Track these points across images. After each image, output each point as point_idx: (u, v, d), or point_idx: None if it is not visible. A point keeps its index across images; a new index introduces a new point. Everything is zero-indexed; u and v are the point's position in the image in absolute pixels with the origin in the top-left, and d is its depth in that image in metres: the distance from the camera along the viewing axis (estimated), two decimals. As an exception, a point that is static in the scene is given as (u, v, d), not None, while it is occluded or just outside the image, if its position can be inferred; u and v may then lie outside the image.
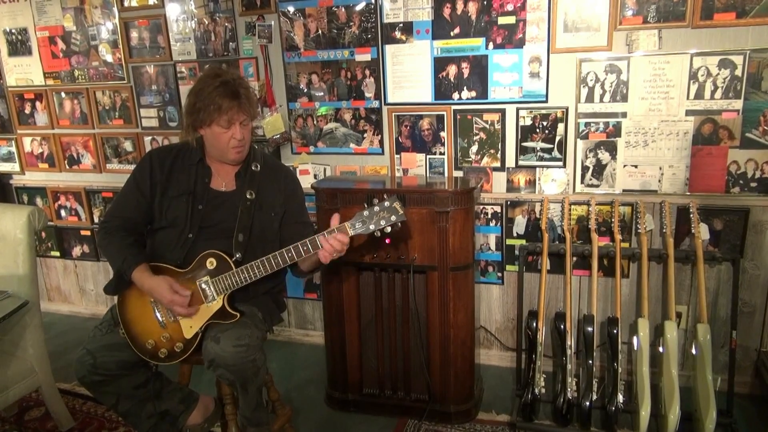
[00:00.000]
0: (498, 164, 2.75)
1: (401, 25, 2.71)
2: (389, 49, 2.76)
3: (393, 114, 2.84)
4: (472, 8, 2.59)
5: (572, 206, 2.65)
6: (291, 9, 2.86)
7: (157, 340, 1.93)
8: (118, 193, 2.12)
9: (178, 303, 1.87)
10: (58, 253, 3.77)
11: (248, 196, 2.00)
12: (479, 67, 2.65)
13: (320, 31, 2.84)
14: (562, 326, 2.46)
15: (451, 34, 2.65)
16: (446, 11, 2.63)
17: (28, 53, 3.44)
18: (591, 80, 2.53)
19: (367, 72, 2.83)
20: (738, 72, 2.36)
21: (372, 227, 1.86)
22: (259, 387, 1.99)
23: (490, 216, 2.81)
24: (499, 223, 2.81)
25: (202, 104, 1.87)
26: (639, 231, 2.50)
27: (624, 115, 2.53)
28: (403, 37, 2.73)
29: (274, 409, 2.24)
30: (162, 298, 1.87)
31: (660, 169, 2.54)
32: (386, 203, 1.85)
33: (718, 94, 2.40)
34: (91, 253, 3.68)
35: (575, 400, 2.38)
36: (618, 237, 2.51)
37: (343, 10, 2.78)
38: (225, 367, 1.80)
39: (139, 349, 1.93)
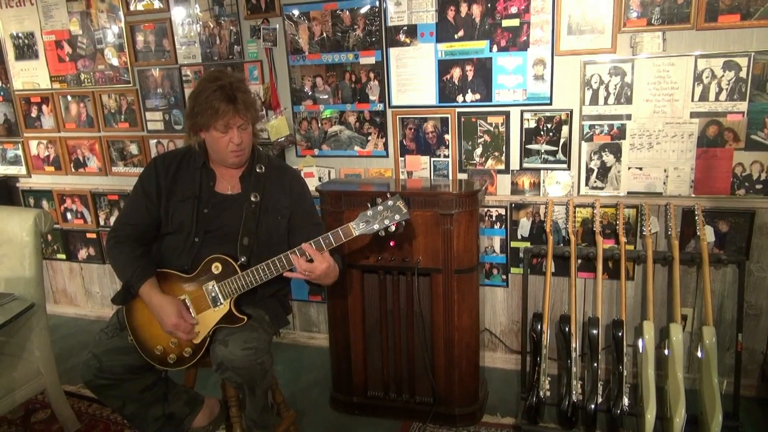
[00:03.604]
0: (502, 167, 2.75)
1: (405, 28, 2.72)
2: (393, 52, 2.77)
3: (397, 117, 2.84)
4: (476, 11, 2.60)
5: (577, 208, 2.65)
6: (296, 12, 2.87)
7: (166, 345, 1.93)
8: (125, 202, 2.12)
9: (182, 329, 1.87)
10: (64, 256, 3.78)
11: (253, 199, 2.00)
12: (483, 69, 2.66)
13: (325, 35, 2.85)
14: (566, 329, 2.46)
15: (455, 36, 2.66)
16: (450, 14, 2.64)
17: (34, 57, 3.46)
18: (595, 82, 2.53)
19: (372, 75, 2.84)
20: (743, 74, 2.35)
21: (376, 227, 1.85)
22: (266, 389, 1.99)
23: (494, 218, 2.81)
24: (503, 226, 2.80)
25: (200, 108, 1.86)
26: (644, 233, 2.50)
27: (628, 117, 2.52)
28: (408, 40, 2.73)
29: (279, 411, 2.25)
30: (167, 321, 1.86)
31: (665, 171, 2.54)
32: (390, 202, 1.85)
33: (723, 96, 2.40)
34: (97, 255, 3.69)
35: (580, 403, 2.37)
36: (623, 239, 2.51)
37: (347, 13, 2.79)
38: (234, 369, 1.80)
39: (148, 355, 1.93)
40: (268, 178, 2.05)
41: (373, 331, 2.58)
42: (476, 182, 2.63)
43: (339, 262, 1.97)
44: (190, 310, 1.92)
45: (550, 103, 2.61)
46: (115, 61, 3.30)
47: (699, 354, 2.34)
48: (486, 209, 2.80)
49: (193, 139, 1.98)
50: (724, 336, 2.58)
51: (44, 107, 3.54)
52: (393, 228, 1.86)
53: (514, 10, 2.55)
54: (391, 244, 2.38)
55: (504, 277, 2.87)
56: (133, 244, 1.96)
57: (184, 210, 1.98)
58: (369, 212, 1.86)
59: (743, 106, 2.39)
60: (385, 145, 2.91)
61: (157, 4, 3.12)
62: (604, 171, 2.61)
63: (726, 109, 2.41)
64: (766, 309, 2.56)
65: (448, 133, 2.79)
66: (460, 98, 2.72)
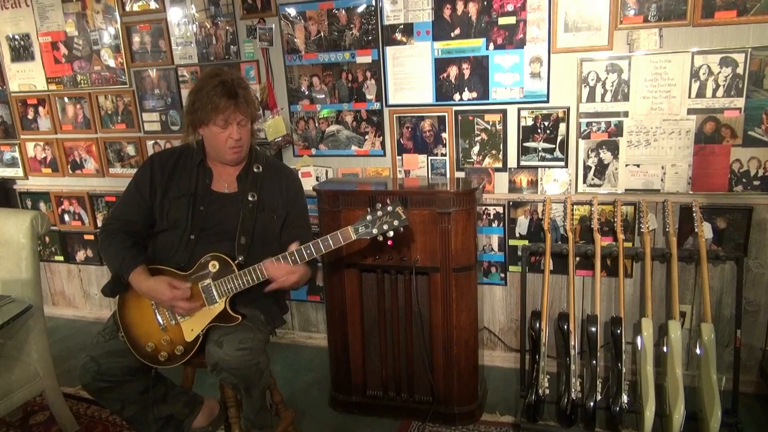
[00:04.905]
0: (500, 165, 2.75)
1: (402, 26, 2.72)
2: (390, 50, 2.76)
3: (394, 116, 2.84)
4: (473, 9, 2.59)
5: (575, 206, 2.65)
6: (292, 12, 2.86)
7: (158, 343, 1.93)
8: (119, 197, 2.12)
9: (179, 297, 1.86)
10: (62, 258, 3.78)
11: (250, 198, 2.00)
12: (480, 67, 2.65)
13: (321, 34, 2.85)
14: (565, 326, 2.45)
15: (452, 35, 2.65)
16: (446, 12, 2.63)
17: (30, 59, 3.45)
18: (592, 80, 2.52)
19: (368, 74, 2.83)
20: (739, 70, 2.35)
21: (375, 231, 1.86)
22: (263, 390, 1.99)
23: (492, 217, 2.80)
24: (501, 224, 2.80)
25: (200, 104, 1.87)
26: (642, 230, 2.50)
27: (625, 114, 2.52)
28: (404, 39, 2.73)
29: (277, 411, 2.24)
30: (162, 297, 1.86)
31: (662, 168, 2.54)
32: (389, 207, 1.85)
33: (720, 92, 2.39)
34: (95, 257, 3.69)
35: (579, 400, 2.37)
36: (621, 236, 2.51)
37: (343, 12, 2.78)
38: (228, 370, 1.80)
39: (139, 353, 1.93)
40: (265, 177, 2.05)
41: (372, 331, 2.57)
42: (474, 181, 2.63)
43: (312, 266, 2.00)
44: None
45: (547, 101, 2.61)
46: (111, 62, 3.29)
47: (698, 351, 2.34)
48: (484, 207, 2.80)
49: (191, 137, 1.99)
50: (723, 332, 2.58)
51: (41, 109, 3.53)
52: (391, 233, 1.87)
53: (510, 7, 2.55)
54: (389, 243, 2.38)
55: (502, 275, 2.87)
56: (123, 236, 1.97)
57: (179, 207, 1.98)
58: (368, 217, 1.87)
59: (740, 102, 2.39)
60: (383, 144, 2.91)
61: (153, 5, 3.11)
62: (601, 168, 2.61)
63: (723, 106, 2.41)
64: (764, 305, 2.56)
65: (445, 131, 2.78)
66: (457, 97, 2.72)
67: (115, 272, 1.95)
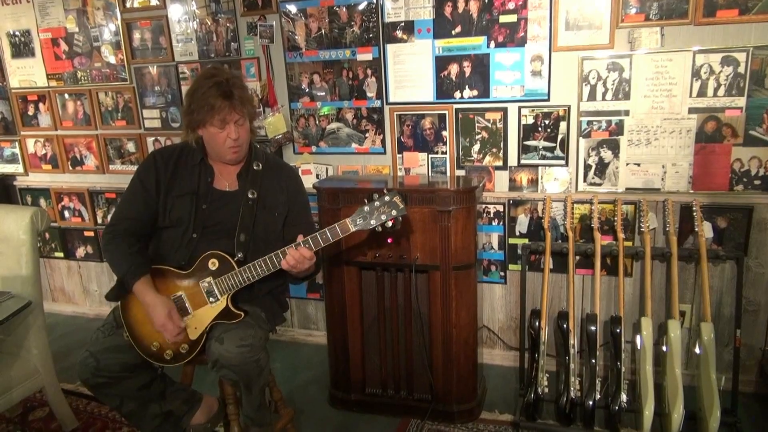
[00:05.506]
0: (500, 163, 2.74)
1: (402, 24, 2.71)
2: (391, 48, 2.76)
3: (395, 113, 2.84)
4: (474, 7, 2.59)
5: (575, 205, 2.65)
6: (292, 9, 2.86)
7: (162, 341, 1.93)
8: (122, 196, 2.11)
9: (169, 330, 1.87)
10: (62, 254, 3.78)
11: (250, 196, 2.00)
12: (481, 65, 2.65)
13: (322, 31, 2.84)
14: (565, 325, 2.45)
15: (453, 33, 2.65)
16: (447, 10, 2.63)
17: (31, 55, 3.45)
18: (593, 78, 2.52)
19: (369, 71, 2.83)
20: (741, 69, 2.35)
21: (373, 222, 1.86)
22: (263, 387, 1.99)
23: (492, 215, 2.80)
24: (501, 222, 2.80)
25: (197, 105, 1.87)
26: (642, 229, 2.49)
27: (626, 113, 2.52)
28: (405, 37, 2.72)
29: (276, 409, 2.24)
30: (156, 319, 1.87)
31: (663, 167, 2.53)
32: (386, 198, 1.85)
33: (721, 91, 2.39)
34: (95, 253, 3.69)
35: (578, 399, 2.37)
36: (621, 235, 2.51)
37: (344, 9, 2.78)
38: (229, 367, 1.80)
39: (144, 351, 1.93)
40: (265, 175, 2.05)
41: (371, 329, 2.57)
42: (474, 179, 2.63)
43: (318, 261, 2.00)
44: (187, 306, 1.93)
45: (548, 99, 2.60)
46: (111, 59, 3.29)
47: (697, 350, 2.34)
48: (484, 206, 2.79)
49: (191, 136, 1.98)
50: (723, 332, 2.58)
51: (41, 105, 3.53)
52: (390, 224, 1.86)
53: (511, 5, 2.54)
54: (389, 240, 2.38)
55: (502, 273, 2.87)
56: (130, 239, 1.96)
57: (182, 205, 1.98)
58: (366, 208, 1.86)
59: (741, 101, 2.38)
60: (383, 141, 2.90)
61: (153, 2, 3.10)
62: (602, 167, 2.61)
63: (724, 105, 2.40)
64: (764, 305, 2.56)
65: (445, 129, 2.78)
66: (457, 94, 2.72)
67: (120, 277, 1.94)
